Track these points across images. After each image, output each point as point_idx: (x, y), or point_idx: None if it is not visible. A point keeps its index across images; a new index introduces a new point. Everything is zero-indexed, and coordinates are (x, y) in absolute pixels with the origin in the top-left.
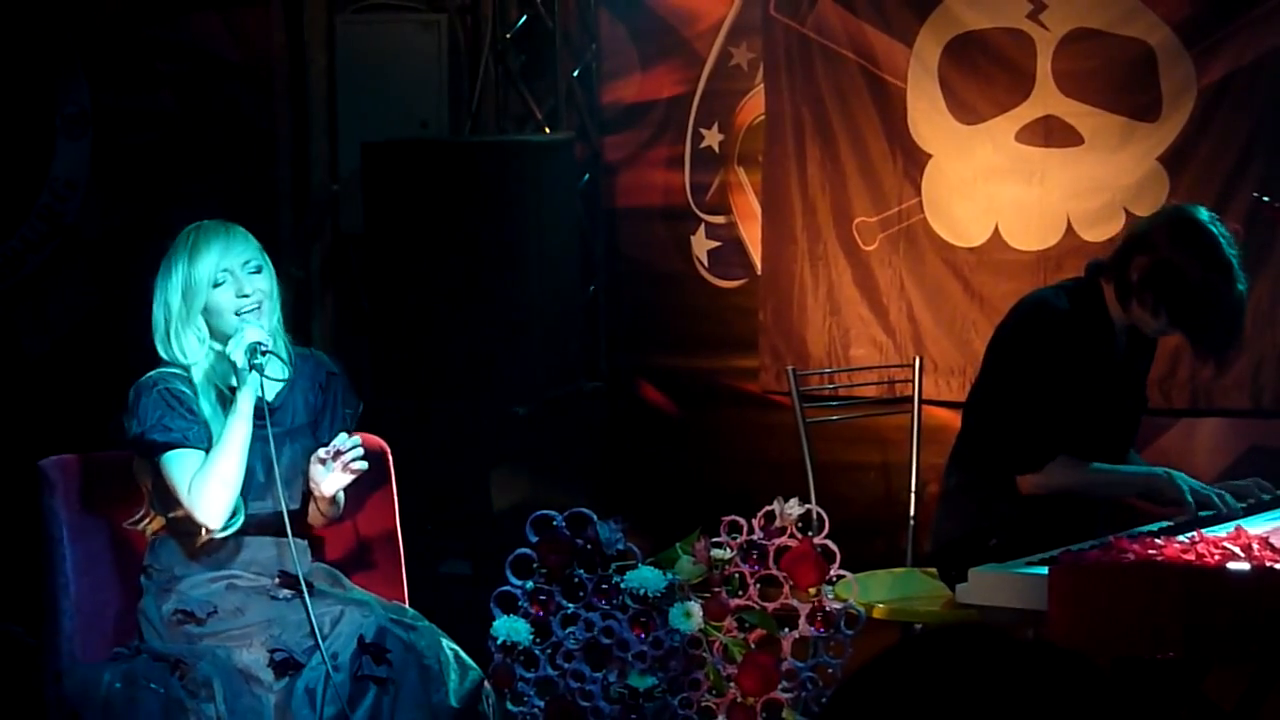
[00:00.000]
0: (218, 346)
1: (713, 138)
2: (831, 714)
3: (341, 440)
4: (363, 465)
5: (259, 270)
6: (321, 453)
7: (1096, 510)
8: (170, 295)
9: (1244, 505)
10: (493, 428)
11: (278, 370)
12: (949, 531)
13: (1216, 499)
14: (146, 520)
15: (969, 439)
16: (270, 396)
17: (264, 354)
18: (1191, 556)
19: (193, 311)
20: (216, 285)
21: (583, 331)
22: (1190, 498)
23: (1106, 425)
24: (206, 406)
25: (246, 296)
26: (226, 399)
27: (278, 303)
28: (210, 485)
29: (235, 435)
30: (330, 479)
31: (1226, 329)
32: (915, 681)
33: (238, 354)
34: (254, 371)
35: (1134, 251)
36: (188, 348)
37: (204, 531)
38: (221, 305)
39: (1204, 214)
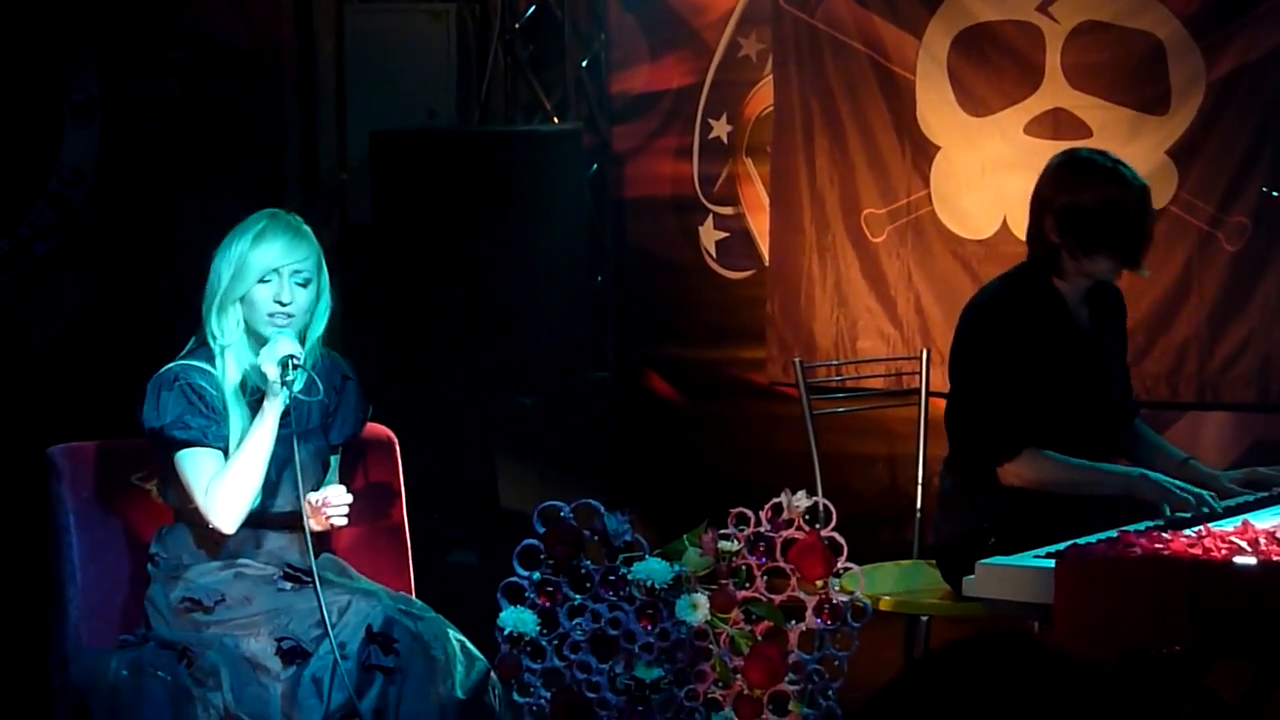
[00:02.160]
0: (250, 337)
1: (721, 128)
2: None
3: (333, 491)
4: (340, 522)
5: (306, 284)
6: (314, 498)
7: (1093, 506)
8: (223, 269)
9: (1226, 506)
10: (500, 418)
11: (305, 388)
12: (948, 533)
13: (1194, 500)
14: (154, 480)
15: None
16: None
17: (295, 367)
18: (1198, 550)
19: (235, 294)
20: (263, 281)
21: (590, 322)
22: (1167, 506)
23: (1084, 403)
24: (231, 395)
25: (282, 304)
26: (250, 390)
27: (323, 317)
28: (228, 492)
29: (259, 445)
30: (311, 520)
31: (1141, 228)
32: (949, 691)
33: (269, 366)
34: (285, 388)
35: (1039, 219)
36: (226, 327)
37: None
38: (259, 302)
39: (1073, 151)
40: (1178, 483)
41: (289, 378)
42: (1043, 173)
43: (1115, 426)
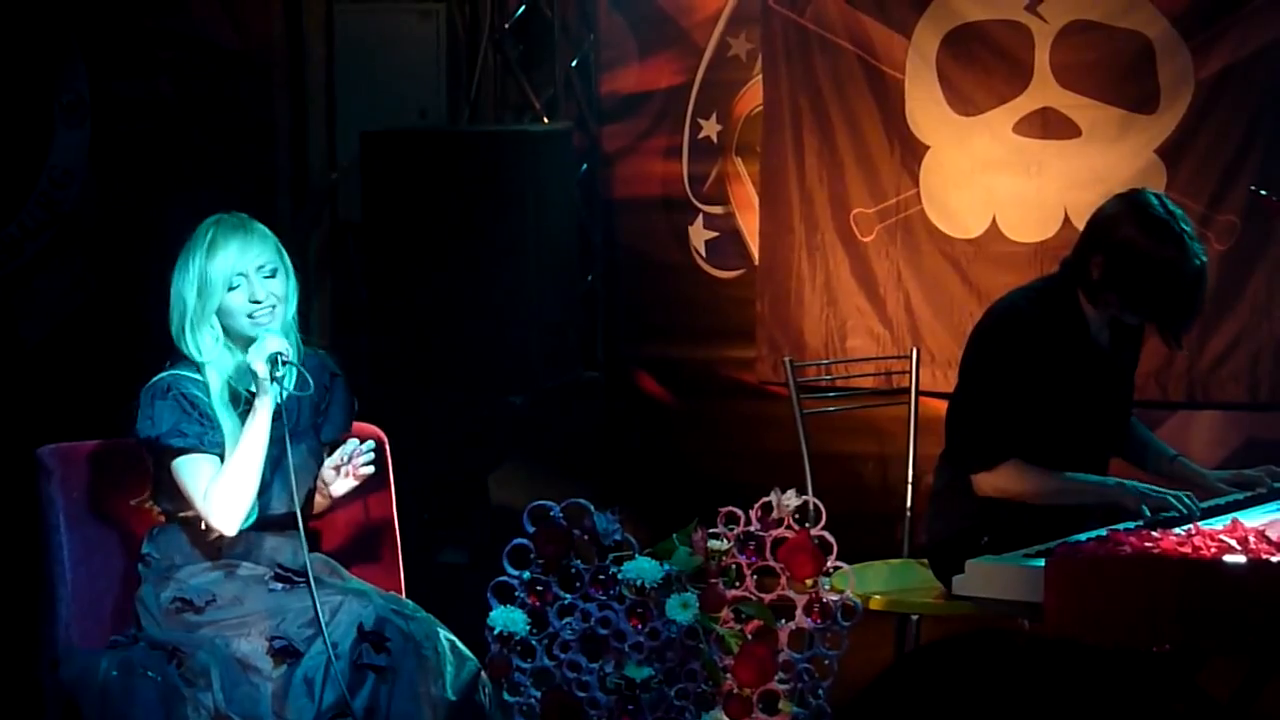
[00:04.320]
0: (232, 346)
1: (711, 128)
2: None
3: (352, 446)
4: (369, 470)
5: (274, 274)
6: (334, 459)
7: (1085, 507)
8: (186, 290)
9: (1215, 504)
10: (490, 417)
11: (296, 383)
12: (941, 531)
13: (1174, 501)
14: (150, 499)
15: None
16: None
17: (284, 364)
18: (1188, 549)
19: (207, 310)
20: (231, 288)
21: (580, 321)
22: (1145, 508)
23: (1093, 420)
24: (220, 407)
25: (259, 302)
26: (240, 398)
27: (293, 303)
28: (227, 494)
29: (253, 445)
30: (339, 483)
31: (1188, 304)
32: (935, 688)
33: (259, 364)
34: (275, 384)
35: (1089, 250)
36: (204, 344)
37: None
38: (235, 308)
39: (1150, 196)
40: (1153, 488)
41: (279, 373)
42: (1109, 203)
43: (1118, 438)
